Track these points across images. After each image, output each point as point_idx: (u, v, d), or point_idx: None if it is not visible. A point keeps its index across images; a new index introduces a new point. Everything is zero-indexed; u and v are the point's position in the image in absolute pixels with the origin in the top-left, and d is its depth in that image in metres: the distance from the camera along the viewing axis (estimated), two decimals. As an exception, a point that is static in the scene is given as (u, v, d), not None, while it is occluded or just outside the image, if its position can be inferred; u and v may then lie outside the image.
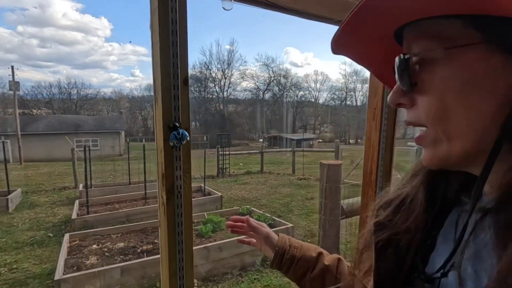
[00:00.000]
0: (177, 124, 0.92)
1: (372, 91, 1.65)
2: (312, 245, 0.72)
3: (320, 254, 0.68)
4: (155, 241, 3.57)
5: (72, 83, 42.48)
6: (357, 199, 1.92)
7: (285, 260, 0.69)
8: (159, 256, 2.73)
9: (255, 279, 3.10)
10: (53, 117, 29.62)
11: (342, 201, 1.80)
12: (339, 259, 0.68)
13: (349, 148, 13.06)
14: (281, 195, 7.19)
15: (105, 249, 3.29)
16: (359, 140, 42.02)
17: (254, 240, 0.80)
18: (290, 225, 3.87)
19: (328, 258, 0.68)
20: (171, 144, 0.91)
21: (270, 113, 44.91)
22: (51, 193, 8.15)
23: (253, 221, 0.79)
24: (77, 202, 5.68)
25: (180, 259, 1.00)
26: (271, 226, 4.11)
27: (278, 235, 0.76)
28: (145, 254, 3.20)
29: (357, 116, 43.12)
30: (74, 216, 4.84)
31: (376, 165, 1.64)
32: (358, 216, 1.82)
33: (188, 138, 0.96)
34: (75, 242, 3.46)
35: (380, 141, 1.62)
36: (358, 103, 46.95)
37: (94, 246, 3.34)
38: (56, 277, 2.42)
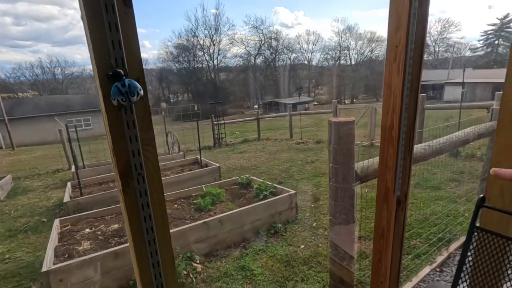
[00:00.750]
0: (120, 70, 0.59)
1: (393, 24, 1.29)
2: None
3: None
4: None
5: (54, 62, 40.36)
6: (373, 161, 1.65)
7: None
8: None
9: (260, 250, 2.95)
10: (40, 99, 28.60)
11: (356, 164, 1.52)
12: None
13: (347, 107, 12.74)
14: (280, 161, 6.99)
15: (99, 233, 3.09)
16: (354, 100, 41.38)
17: None
18: (293, 191, 3.67)
19: None
20: (115, 102, 0.59)
21: (263, 78, 43.62)
22: (44, 176, 7.91)
23: None
24: (69, 184, 5.45)
25: (155, 264, 0.74)
26: (273, 194, 3.92)
27: None
28: (141, 234, 3.02)
29: (352, 75, 42.05)
30: (66, 199, 4.62)
31: (399, 118, 1.34)
32: (376, 179, 1.56)
33: (142, 92, 0.63)
34: (66, 228, 3.26)
35: (403, 88, 1.29)
36: (353, 62, 45.57)
37: (87, 230, 3.15)
38: (44, 269, 2.22)
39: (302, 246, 2.96)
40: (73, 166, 6.86)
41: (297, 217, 3.62)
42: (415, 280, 2.21)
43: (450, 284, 1.08)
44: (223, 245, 3.04)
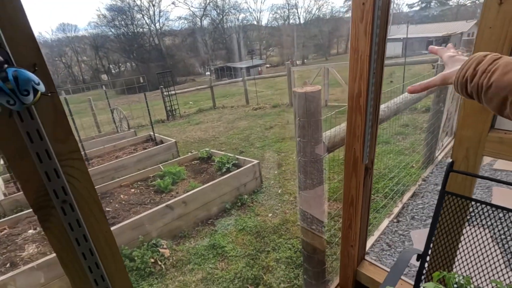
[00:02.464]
0: (-2, 56, 0.37)
1: (359, -22, 1.15)
2: None
3: None
4: (107, 208, 3.09)
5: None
6: (339, 128, 1.61)
7: (470, 90, 0.53)
8: (117, 226, 2.17)
9: (228, 224, 2.91)
10: None
11: (324, 133, 1.46)
12: None
13: (299, 69, 12.76)
14: (239, 129, 6.87)
15: (46, 232, 2.75)
16: (305, 61, 41.80)
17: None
18: (256, 161, 3.62)
19: None
20: (-2, 108, 0.38)
21: (212, 42, 41.37)
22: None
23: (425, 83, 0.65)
24: (0, 179, 4.72)
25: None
26: (235, 165, 3.84)
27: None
28: (97, 227, 2.75)
29: (302, 35, 41.94)
30: (0, 197, 4.01)
31: (366, 85, 1.26)
32: (343, 146, 1.53)
33: (42, 87, 0.42)
34: (4, 231, 2.83)
35: (371, 52, 1.20)
36: (302, 21, 45.24)
37: (30, 231, 2.77)
38: (-20, 286, 1.91)
39: (270, 215, 2.99)
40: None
41: (262, 186, 3.63)
42: (376, 233, 2.37)
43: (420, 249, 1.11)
44: (190, 225, 2.93)
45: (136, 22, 39.65)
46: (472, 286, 0.85)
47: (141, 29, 40.37)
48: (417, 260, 1.09)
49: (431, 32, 24.39)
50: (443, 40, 22.34)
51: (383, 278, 1.74)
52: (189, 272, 2.32)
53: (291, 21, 45.66)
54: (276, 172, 4.10)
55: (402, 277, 1.70)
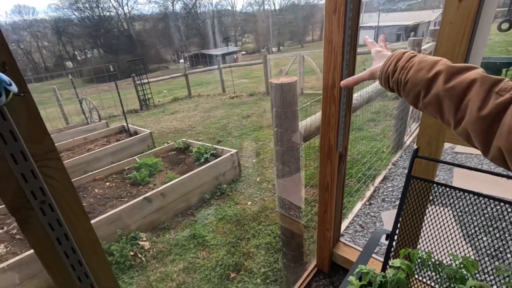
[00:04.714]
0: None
1: (332, -30, 1.17)
2: (435, 59, 0.51)
3: (437, 74, 0.48)
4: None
5: None
6: (314, 118, 1.66)
7: (392, 84, 0.58)
8: (93, 221, 2.12)
9: (208, 214, 2.94)
10: None
11: (300, 123, 1.50)
12: (473, 81, 0.43)
13: (275, 57, 12.72)
14: (216, 118, 6.81)
15: (15, 231, 2.61)
16: (281, 48, 41.69)
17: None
18: (234, 150, 3.64)
19: (455, 77, 0.46)
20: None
21: (185, 27, 39.91)
22: None
23: (357, 78, 0.71)
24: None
25: (93, 301, 0.59)
26: (214, 155, 3.84)
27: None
28: None
29: (277, 21, 41.62)
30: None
31: (340, 76, 1.30)
32: (319, 135, 1.58)
33: (14, 87, 0.41)
34: (-33, 233, 2.65)
35: (344, 44, 1.24)
36: (277, 7, 44.78)
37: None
38: None
39: (250, 203, 3.04)
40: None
41: (241, 175, 3.66)
42: (350, 216, 2.50)
43: (389, 230, 1.21)
44: (169, 216, 2.92)
45: (102, 5, 37.20)
46: (432, 260, 0.95)
47: (107, 13, 37.96)
48: (386, 239, 1.18)
49: (401, 21, 25.18)
50: (412, 29, 23.18)
51: (356, 257, 1.86)
52: (171, 262, 2.34)
53: (266, 7, 45.07)
54: (254, 160, 4.14)
55: (374, 255, 1.83)
